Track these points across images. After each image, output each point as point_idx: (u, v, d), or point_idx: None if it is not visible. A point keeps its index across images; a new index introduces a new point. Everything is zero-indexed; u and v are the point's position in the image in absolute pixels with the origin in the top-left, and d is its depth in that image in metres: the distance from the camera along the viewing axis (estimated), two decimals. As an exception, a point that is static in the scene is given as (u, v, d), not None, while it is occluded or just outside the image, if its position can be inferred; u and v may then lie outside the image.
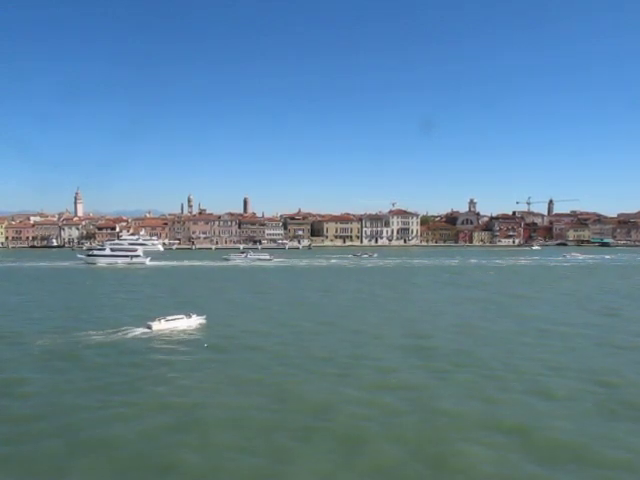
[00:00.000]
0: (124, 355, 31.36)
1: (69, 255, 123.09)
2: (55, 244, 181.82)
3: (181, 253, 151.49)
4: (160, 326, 37.97)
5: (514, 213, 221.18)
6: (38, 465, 17.65)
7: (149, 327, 37.82)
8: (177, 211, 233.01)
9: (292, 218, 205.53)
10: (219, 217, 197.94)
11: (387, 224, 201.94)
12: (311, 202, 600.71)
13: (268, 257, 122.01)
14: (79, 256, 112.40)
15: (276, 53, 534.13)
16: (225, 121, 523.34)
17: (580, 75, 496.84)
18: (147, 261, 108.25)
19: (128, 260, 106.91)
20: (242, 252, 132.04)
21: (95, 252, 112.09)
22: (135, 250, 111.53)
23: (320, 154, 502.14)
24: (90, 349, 32.65)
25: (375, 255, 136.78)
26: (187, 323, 39.44)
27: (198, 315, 40.61)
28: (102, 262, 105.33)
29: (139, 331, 37.24)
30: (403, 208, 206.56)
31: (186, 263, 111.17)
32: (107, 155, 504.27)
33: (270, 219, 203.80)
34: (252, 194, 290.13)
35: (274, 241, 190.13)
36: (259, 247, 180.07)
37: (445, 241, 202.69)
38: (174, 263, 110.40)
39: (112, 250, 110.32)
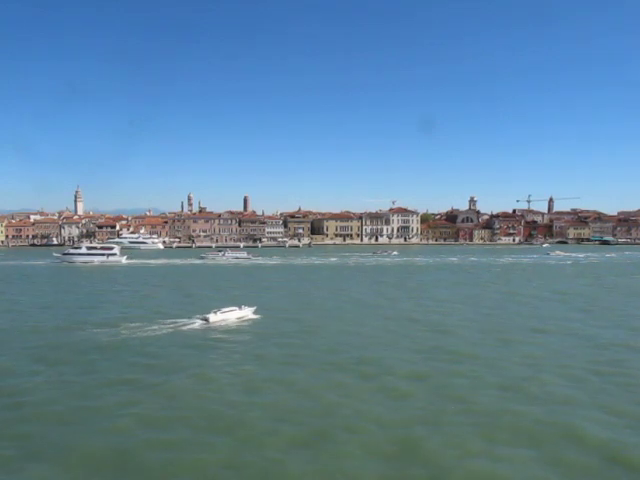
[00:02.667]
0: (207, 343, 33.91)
1: (45, 254, 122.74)
2: (55, 242, 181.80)
3: (182, 251, 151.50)
4: (216, 318, 39.79)
5: (514, 211, 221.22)
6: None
7: (206, 319, 39.63)
8: (177, 209, 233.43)
9: (292, 216, 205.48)
10: (219, 215, 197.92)
11: (387, 222, 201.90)
12: (311, 200, 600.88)
13: (246, 255, 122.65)
14: (55, 255, 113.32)
15: (276, 52, 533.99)
16: (225, 119, 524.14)
17: (580, 73, 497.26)
18: (123, 260, 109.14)
19: (104, 258, 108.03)
20: (219, 250, 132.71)
21: (71, 251, 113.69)
22: (111, 249, 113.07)
23: (320, 152, 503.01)
24: (171, 339, 34.72)
25: (395, 253, 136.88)
26: (240, 314, 41.52)
27: (249, 307, 42.84)
28: (78, 260, 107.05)
29: (198, 322, 39.20)
30: (403, 206, 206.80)
31: (162, 261, 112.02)
32: (107, 154, 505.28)
33: (270, 217, 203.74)
34: (252, 192, 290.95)
35: (274, 239, 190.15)
36: (259, 245, 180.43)
37: (445, 239, 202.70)
38: (151, 261, 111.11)
39: (88, 249, 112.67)
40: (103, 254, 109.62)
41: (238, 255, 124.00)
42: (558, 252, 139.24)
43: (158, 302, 52.35)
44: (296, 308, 47.93)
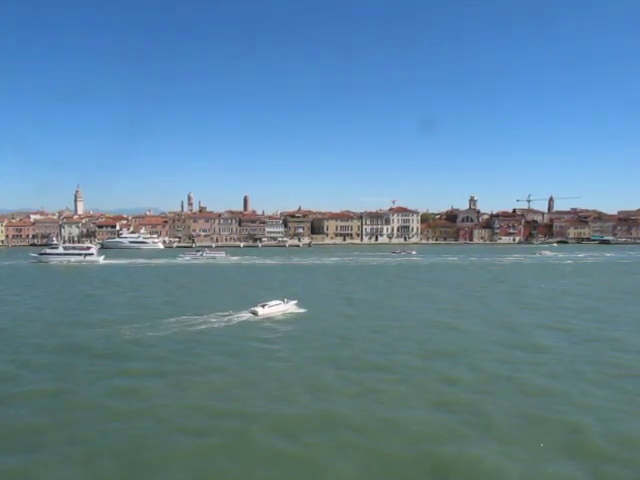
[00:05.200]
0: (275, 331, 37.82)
1: (21, 254, 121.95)
2: (55, 242, 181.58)
3: (173, 251, 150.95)
4: (264, 311, 42.53)
5: (514, 211, 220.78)
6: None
7: (255, 313, 42.34)
8: (177, 209, 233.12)
9: (292, 216, 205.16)
10: (219, 215, 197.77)
11: (387, 222, 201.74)
12: (311, 200, 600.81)
13: (224, 255, 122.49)
14: (32, 255, 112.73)
15: (276, 51, 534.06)
16: (225, 119, 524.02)
17: (581, 72, 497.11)
18: (101, 259, 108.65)
19: (81, 258, 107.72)
20: (197, 250, 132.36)
21: (48, 251, 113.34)
22: (88, 249, 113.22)
23: (320, 152, 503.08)
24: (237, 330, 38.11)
25: (414, 252, 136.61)
26: (285, 307, 44.51)
27: (291, 300, 45.99)
28: (55, 260, 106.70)
29: (247, 315, 42.00)
30: (403, 206, 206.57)
31: (140, 261, 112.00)
32: (107, 153, 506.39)
33: (270, 217, 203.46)
34: (252, 192, 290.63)
35: (274, 239, 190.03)
36: (259, 245, 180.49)
37: (445, 239, 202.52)
38: (127, 261, 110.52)
39: (65, 248, 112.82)
40: (80, 254, 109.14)
41: (215, 254, 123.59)
42: (544, 252, 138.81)
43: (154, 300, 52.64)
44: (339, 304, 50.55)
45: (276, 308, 43.46)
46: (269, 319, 41.15)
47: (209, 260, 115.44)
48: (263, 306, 43.05)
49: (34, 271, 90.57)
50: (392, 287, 64.48)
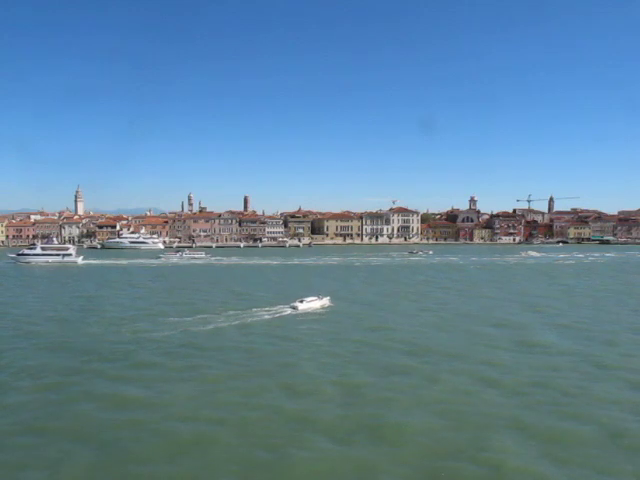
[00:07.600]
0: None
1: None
2: (56, 242, 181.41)
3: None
4: (303, 306, 46.17)
5: (514, 211, 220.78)
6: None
7: (294, 307, 45.94)
8: (177, 209, 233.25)
9: (292, 216, 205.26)
10: (219, 215, 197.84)
11: (387, 222, 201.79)
12: (311, 200, 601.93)
13: (203, 255, 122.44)
14: (10, 255, 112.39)
15: (276, 51, 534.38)
16: (225, 119, 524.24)
17: (581, 72, 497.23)
18: (79, 260, 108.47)
19: (60, 259, 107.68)
20: (177, 251, 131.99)
21: (26, 251, 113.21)
22: (67, 249, 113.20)
23: (320, 152, 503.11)
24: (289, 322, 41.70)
25: (431, 252, 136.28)
26: (321, 303, 48.19)
27: (325, 296, 49.59)
28: (34, 261, 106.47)
29: (288, 310, 45.31)
30: (403, 206, 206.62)
31: (121, 261, 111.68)
32: (107, 154, 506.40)
33: (270, 217, 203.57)
34: (252, 192, 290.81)
35: (275, 239, 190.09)
36: (259, 245, 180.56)
37: (445, 239, 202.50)
38: (107, 262, 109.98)
39: (43, 249, 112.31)
40: (58, 254, 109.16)
41: (195, 255, 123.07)
42: (530, 252, 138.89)
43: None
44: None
45: (313, 303, 47.15)
46: (309, 313, 44.47)
47: (190, 261, 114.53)
48: (301, 301, 46.70)
49: (8, 272, 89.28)
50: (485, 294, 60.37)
